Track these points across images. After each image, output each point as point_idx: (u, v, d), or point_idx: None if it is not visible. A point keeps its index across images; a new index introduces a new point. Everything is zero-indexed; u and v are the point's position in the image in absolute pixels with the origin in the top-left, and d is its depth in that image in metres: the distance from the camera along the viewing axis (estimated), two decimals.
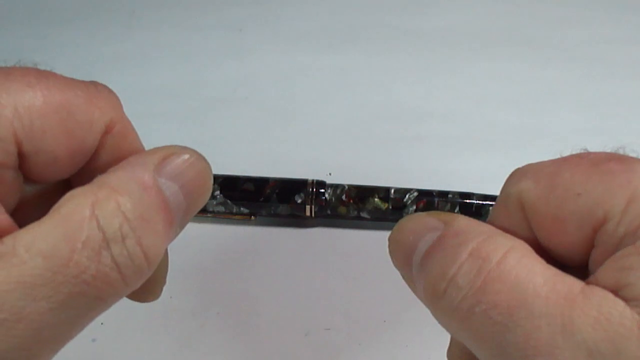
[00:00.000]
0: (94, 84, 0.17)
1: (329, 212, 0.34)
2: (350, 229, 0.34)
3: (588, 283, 0.14)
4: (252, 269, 0.32)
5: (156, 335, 0.29)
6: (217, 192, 0.33)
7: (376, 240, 0.34)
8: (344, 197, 0.33)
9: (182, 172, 0.17)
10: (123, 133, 0.18)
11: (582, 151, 0.16)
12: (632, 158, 0.15)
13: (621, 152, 0.16)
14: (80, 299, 0.14)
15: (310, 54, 0.50)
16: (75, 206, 0.15)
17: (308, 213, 0.33)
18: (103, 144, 0.17)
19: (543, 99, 0.45)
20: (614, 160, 0.15)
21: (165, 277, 0.19)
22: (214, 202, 0.33)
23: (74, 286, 0.14)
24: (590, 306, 0.14)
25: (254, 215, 0.34)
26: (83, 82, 0.17)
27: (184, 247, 0.33)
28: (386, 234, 0.34)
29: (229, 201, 0.33)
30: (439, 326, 0.29)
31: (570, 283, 0.14)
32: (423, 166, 0.38)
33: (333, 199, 0.33)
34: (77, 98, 0.16)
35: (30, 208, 0.17)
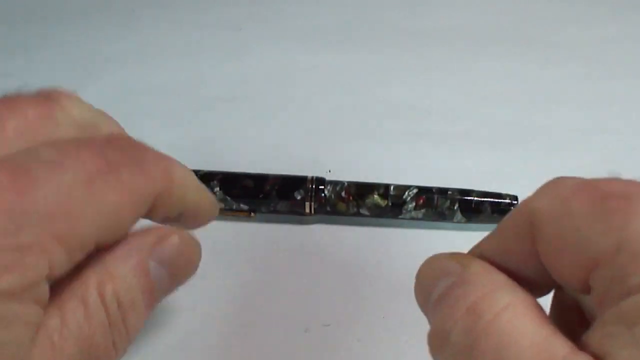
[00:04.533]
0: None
1: (328, 208, 0.34)
2: (349, 226, 0.34)
3: (581, 344, 0.14)
4: (252, 265, 0.32)
5: (156, 335, 0.29)
6: (217, 189, 0.33)
7: (375, 237, 0.34)
8: (343, 193, 0.33)
9: (172, 258, 0.19)
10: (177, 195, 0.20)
11: (614, 176, 0.15)
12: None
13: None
14: None
15: (309, 53, 0.50)
16: (86, 290, 0.17)
17: (308, 210, 0.33)
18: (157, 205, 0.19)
19: (543, 97, 0.45)
20: (620, 198, 0.14)
21: (211, 209, 0.23)
22: None
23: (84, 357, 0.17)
24: None
25: (253, 212, 0.34)
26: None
27: None
28: (386, 231, 0.34)
29: (228, 198, 0.34)
30: None
31: (554, 350, 0.13)
32: (423, 163, 0.38)
33: (333, 195, 0.33)
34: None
35: None
